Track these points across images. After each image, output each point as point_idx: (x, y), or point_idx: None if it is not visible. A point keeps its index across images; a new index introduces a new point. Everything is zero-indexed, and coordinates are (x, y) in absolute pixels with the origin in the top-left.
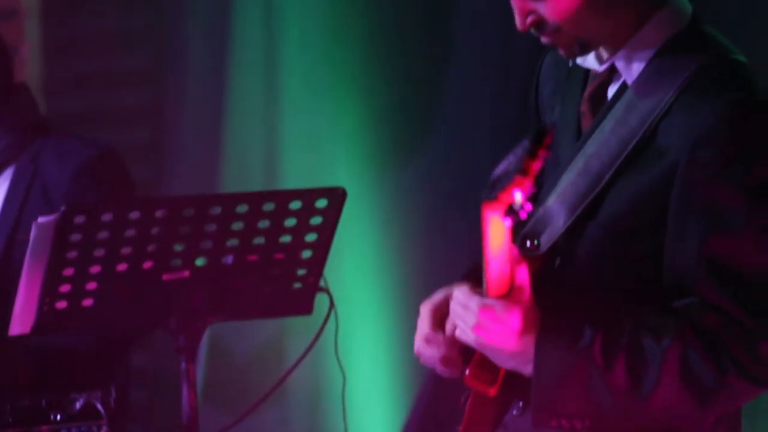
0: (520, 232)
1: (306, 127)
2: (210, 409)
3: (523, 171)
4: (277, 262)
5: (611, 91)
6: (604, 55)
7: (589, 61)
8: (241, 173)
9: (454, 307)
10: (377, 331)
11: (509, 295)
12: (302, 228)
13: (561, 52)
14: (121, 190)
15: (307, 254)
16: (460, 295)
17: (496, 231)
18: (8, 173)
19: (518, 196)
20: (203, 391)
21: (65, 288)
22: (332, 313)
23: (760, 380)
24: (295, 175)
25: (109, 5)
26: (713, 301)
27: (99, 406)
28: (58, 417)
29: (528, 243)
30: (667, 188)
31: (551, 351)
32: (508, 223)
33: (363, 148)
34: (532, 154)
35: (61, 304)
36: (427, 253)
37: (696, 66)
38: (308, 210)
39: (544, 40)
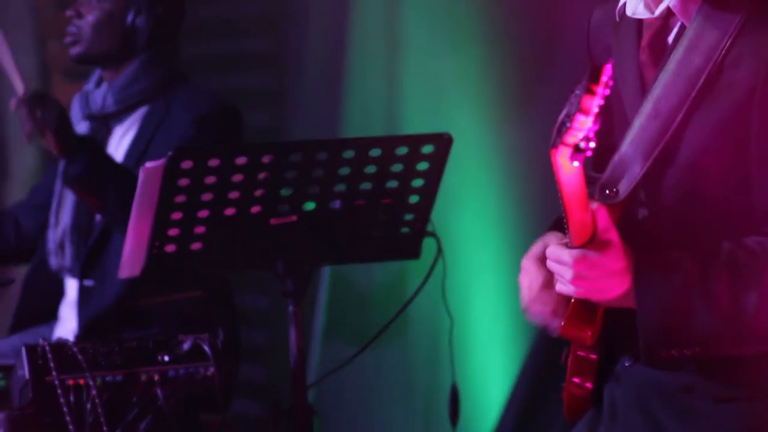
0: (595, 181)
1: (427, 74)
2: (333, 342)
3: (582, 109)
4: (384, 207)
5: (671, 38)
6: (653, 4)
7: (640, 11)
8: (362, 120)
9: (550, 265)
10: (489, 277)
11: (594, 239)
12: (409, 173)
13: None
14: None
15: (414, 199)
16: (552, 252)
17: (569, 175)
18: (142, 112)
19: (581, 135)
20: (326, 325)
21: (174, 231)
22: (441, 258)
23: None
24: (416, 123)
25: None
26: None
27: (206, 348)
28: (166, 358)
29: (607, 191)
30: (743, 120)
31: (651, 284)
32: (577, 164)
33: (483, 96)
34: (589, 91)
35: (170, 248)
36: (540, 201)
37: None
38: (415, 155)
39: None
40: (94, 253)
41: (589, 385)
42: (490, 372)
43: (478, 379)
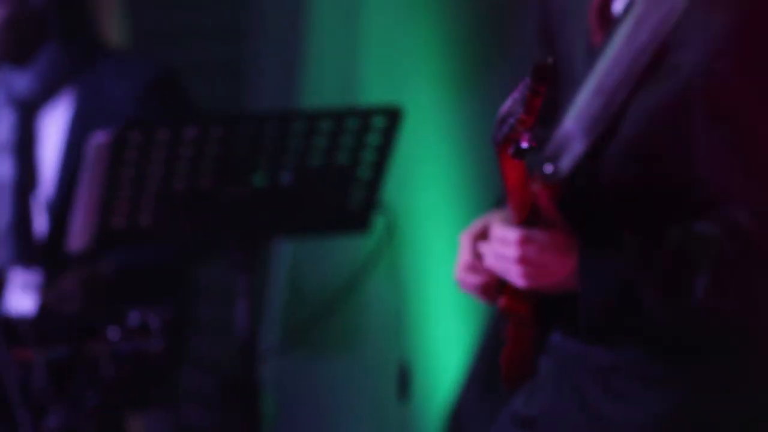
0: (538, 156)
1: (384, 45)
2: (294, 322)
3: (527, 110)
4: (334, 181)
5: (618, 4)
6: None
7: None
8: (318, 92)
9: (493, 246)
10: (444, 251)
11: (536, 220)
12: (360, 146)
13: None
14: (184, 110)
15: (364, 173)
16: (497, 231)
17: (512, 168)
18: (71, 91)
19: (525, 134)
20: (287, 303)
21: (122, 206)
22: (395, 233)
23: None
24: (373, 96)
25: None
26: (753, 205)
27: (156, 323)
28: (114, 333)
29: (549, 168)
30: (686, 103)
31: (595, 266)
32: (518, 160)
33: (440, 68)
34: (535, 93)
35: (119, 223)
36: (496, 174)
37: None
38: (365, 128)
39: None
40: (45, 245)
41: (526, 354)
42: (445, 347)
43: (433, 355)
